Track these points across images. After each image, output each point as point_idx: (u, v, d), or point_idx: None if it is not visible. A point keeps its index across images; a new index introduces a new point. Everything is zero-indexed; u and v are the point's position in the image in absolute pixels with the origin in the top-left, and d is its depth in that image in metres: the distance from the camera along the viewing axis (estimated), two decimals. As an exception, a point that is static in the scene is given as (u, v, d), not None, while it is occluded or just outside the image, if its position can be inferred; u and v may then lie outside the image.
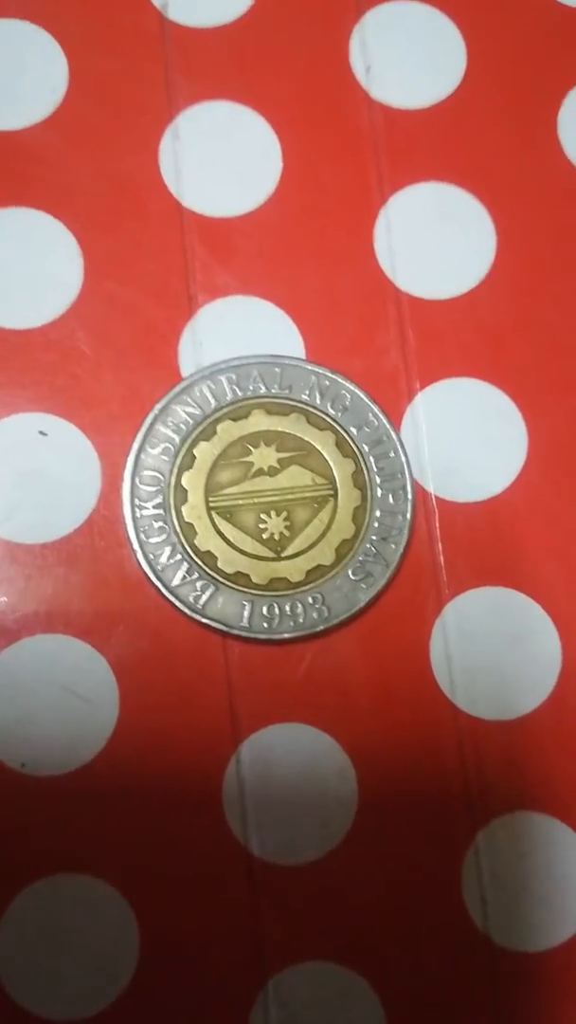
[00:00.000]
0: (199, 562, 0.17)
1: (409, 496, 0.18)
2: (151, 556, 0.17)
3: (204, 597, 0.17)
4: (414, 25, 0.20)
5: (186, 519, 0.17)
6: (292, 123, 0.19)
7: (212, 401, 0.18)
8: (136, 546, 0.17)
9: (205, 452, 0.18)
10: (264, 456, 0.18)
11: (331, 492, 0.18)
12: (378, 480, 0.18)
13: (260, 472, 0.18)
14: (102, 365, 0.18)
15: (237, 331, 0.18)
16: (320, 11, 0.20)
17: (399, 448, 0.18)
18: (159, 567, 0.17)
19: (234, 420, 0.18)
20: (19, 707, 0.17)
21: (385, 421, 0.18)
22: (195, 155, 0.19)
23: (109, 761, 0.17)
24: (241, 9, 0.20)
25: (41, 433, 0.18)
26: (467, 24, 0.20)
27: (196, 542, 0.17)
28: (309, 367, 0.18)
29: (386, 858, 0.17)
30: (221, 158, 0.19)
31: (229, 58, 0.19)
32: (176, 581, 0.17)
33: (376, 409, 0.18)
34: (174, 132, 0.19)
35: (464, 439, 0.18)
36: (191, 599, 0.17)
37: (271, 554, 0.17)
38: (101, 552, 0.17)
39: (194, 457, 0.18)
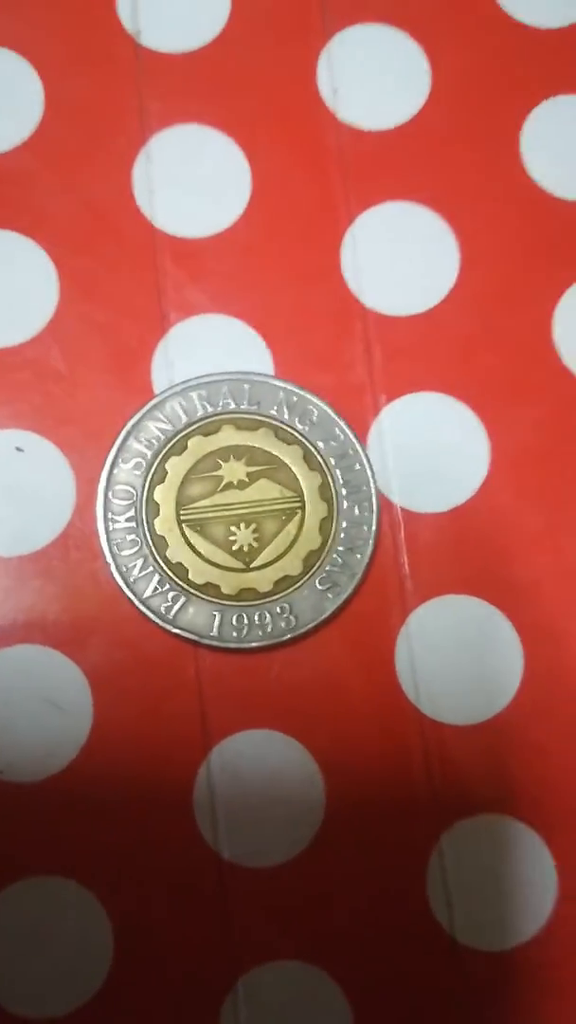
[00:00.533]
0: (170, 573, 0.18)
1: (374, 507, 0.18)
2: (124, 568, 0.18)
3: (175, 608, 0.18)
4: (379, 47, 0.20)
5: (158, 532, 0.18)
6: (261, 145, 0.20)
7: (183, 417, 0.18)
8: (109, 558, 0.18)
9: (176, 466, 0.18)
10: (233, 470, 0.18)
11: (299, 504, 0.18)
12: (344, 492, 0.18)
13: (230, 485, 0.18)
14: (77, 383, 0.19)
15: (208, 348, 0.19)
16: (288, 35, 0.20)
17: (364, 461, 0.18)
18: (131, 579, 0.18)
19: (204, 435, 0.18)
20: (-3, 715, 0.17)
21: (351, 435, 0.19)
22: (167, 177, 0.19)
23: (84, 768, 0.17)
24: (212, 35, 0.20)
25: (18, 449, 0.18)
26: (431, 45, 0.20)
27: (167, 554, 0.18)
28: (277, 383, 0.19)
29: (353, 861, 0.18)
30: (192, 180, 0.19)
31: (200, 82, 0.20)
32: (148, 592, 0.18)
33: (342, 423, 0.19)
34: (147, 155, 0.19)
35: (429, 451, 0.19)
36: (162, 610, 0.18)
37: (240, 565, 0.18)
38: (76, 564, 0.18)
39: (166, 471, 0.18)
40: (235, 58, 0.20)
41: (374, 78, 0.20)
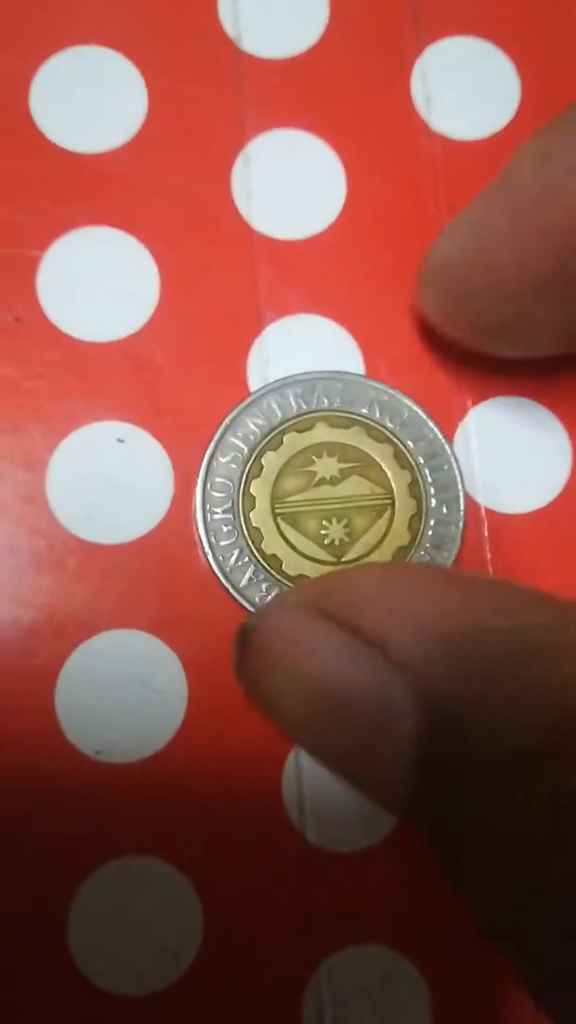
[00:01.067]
0: (265, 565, 0.18)
1: (461, 507, 0.19)
2: (221, 558, 0.18)
3: (269, 597, 0.18)
4: (472, 59, 0.21)
5: (254, 524, 0.18)
6: (356, 151, 0.20)
7: (278, 413, 0.19)
8: (207, 548, 0.18)
9: (272, 461, 0.19)
10: (327, 466, 0.19)
11: (389, 501, 0.19)
12: (432, 491, 0.19)
13: (323, 481, 0.19)
14: (176, 377, 0.19)
15: (301, 347, 0.20)
16: (384, 45, 0.21)
17: (452, 461, 0.19)
18: (228, 568, 0.18)
19: (299, 432, 0.19)
20: (95, 698, 0.18)
21: (440, 435, 0.19)
22: (265, 180, 0.20)
23: (177, 751, 0.18)
24: (310, 42, 0.21)
25: (119, 440, 0.19)
26: (522, 58, 0.21)
27: (262, 546, 0.18)
28: (369, 383, 0.19)
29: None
30: (289, 184, 0.20)
31: (298, 88, 0.20)
32: (243, 582, 0.18)
33: (432, 424, 0.19)
34: (246, 158, 0.20)
35: (512, 453, 0.20)
36: (257, 599, 0.18)
37: (332, 559, 0.19)
38: (173, 553, 0.19)
39: (262, 466, 0.19)
40: (331, 65, 0.21)
41: (465, 89, 0.21)
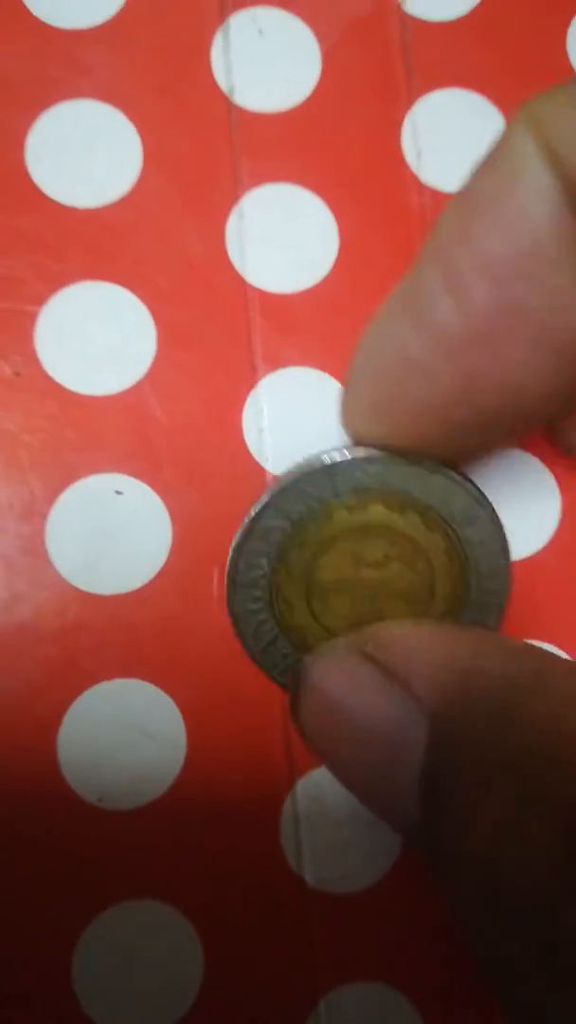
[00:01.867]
0: (287, 637, 0.18)
1: (501, 614, 0.18)
2: (245, 624, 0.18)
3: (284, 664, 0.18)
4: (462, 112, 0.21)
5: (284, 596, 0.18)
6: (348, 205, 0.21)
7: (333, 487, 0.18)
8: (234, 612, 0.18)
9: (316, 534, 0.18)
10: (373, 549, 0.18)
11: (428, 596, 0.18)
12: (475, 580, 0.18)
13: (365, 563, 0.18)
14: (173, 429, 0.19)
15: (295, 399, 0.20)
16: (375, 98, 0.21)
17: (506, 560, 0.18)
18: (250, 634, 0.18)
19: (349, 510, 0.18)
20: (96, 745, 0.18)
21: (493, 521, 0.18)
22: (258, 234, 0.20)
23: (177, 796, 0.18)
24: (302, 95, 0.21)
25: (117, 492, 0.19)
26: (513, 111, 0.21)
27: (291, 617, 0.18)
28: (437, 468, 0.17)
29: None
30: (282, 237, 0.20)
31: (291, 141, 0.21)
32: (263, 646, 0.18)
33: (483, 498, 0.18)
34: (239, 212, 0.20)
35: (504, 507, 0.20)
36: (275, 666, 0.18)
37: None
38: (172, 604, 0.19)
39: (304, 539, 0.18)
40: (324, 119, 0.21)
41: (456, 142, 0.21)
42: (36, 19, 0.21)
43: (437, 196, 0.21)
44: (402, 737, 0.14)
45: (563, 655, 0.20)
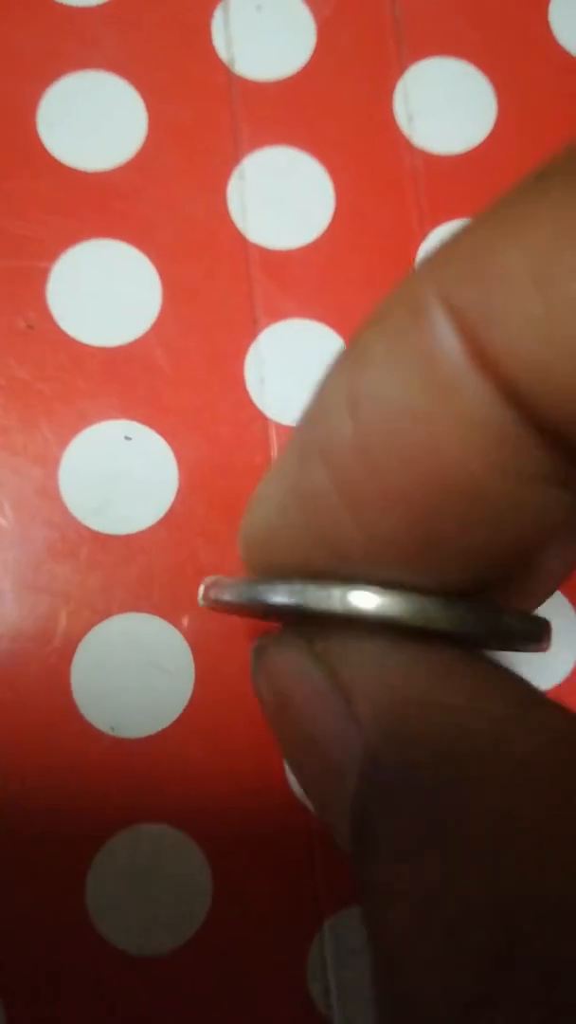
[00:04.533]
0: None
1: None
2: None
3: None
4: (451, 79, 0.22)
5: None
6: (344, 166, 0.22)
7: None
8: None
9: None
10: None
11: None
12: None
13: None
14: (178, 379, 0.20)
15: (295, 349, 0.21)
16: (368, 66, 0.22)
17: None
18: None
19: None
20: (109, 678, 0.19)
21: None
22: (259, 194, 0.21)
23: (186, 726, 0.19)
24: (298, 65, 0.22)
25: (126, 438, 0.20)
26: (498, 77, 0.23)
27: None
28: None
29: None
30: (281, 197, 0.21)
31: (288, 108, 0.22)
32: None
33: None
34: (240, 174, 0.21)
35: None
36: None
37: None
38: (180, 542, 0.20)
39: None
40: (319, 86, 0.22)
41: (445, 107, 0.22)
42: (46, -3, 0.22)
43: (428, 157, 0.22)
44: (338, 756, 0.12)
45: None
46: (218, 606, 0.14)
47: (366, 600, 0.12)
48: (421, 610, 0.12)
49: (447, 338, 0.10)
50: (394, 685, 0.12)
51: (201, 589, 0.15)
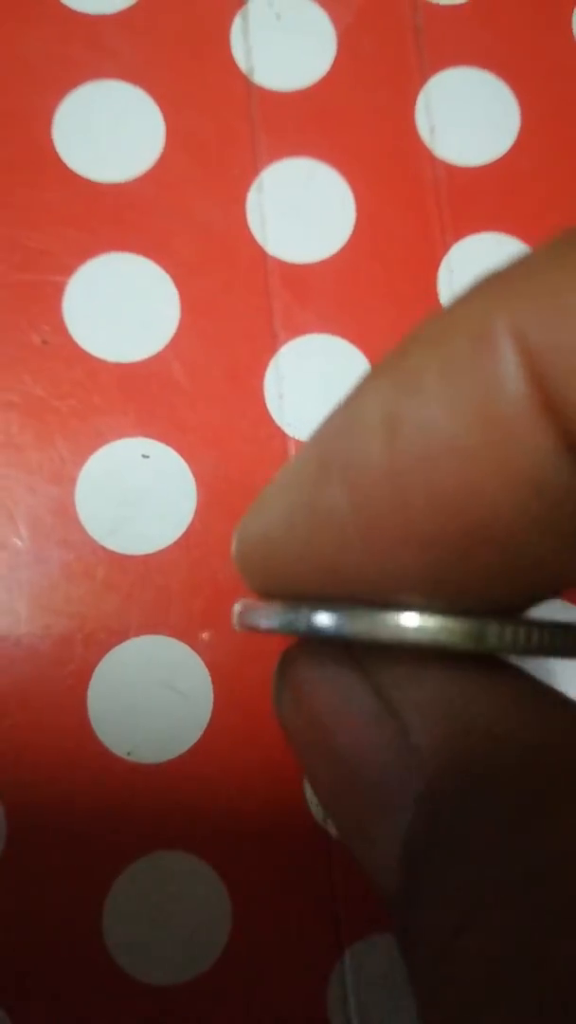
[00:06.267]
0: None
1: None
2: None
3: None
4: (473, 89, 0.22)
5: None
6: (365, 178, 0.21)
7: None
8: None
9: None
10: None
11: None
12: None
13: None
14: (196, 395, 0.20)
15: (315, 364, 0.21)
16: (389, 76, 0.22)
17: None
18: None
19: None
20: (125, 701, 0.19)
21: None
22: (278, 206, 0.21)
23: (204, 750, 0.19)
24: (319, 74, 0.22)
25: (144, 456, 0.20)
26: (521, 87, 0.22)
27: None
28: None
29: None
30: (301, 209, 0.21)
31: (308, 118, 0.21)
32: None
33: None
34: (259, 186, 0.21)
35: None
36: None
37: None
38: (198, 562, 0.19)
39: None
40: (340, 97, 0.22)
41: (468, 117, 0.22)
42: (62, 5, 0.21)
43: (450, 169, 0.22)
44: (389, 792, 0.11)
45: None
46: (254, 630, 0.14)
47: (421, 623, 0.11)
48: (488, 635, 0.11)
49: (513, 377, 0.09)
50: (456, 713, 0.11)
51: (236, 613, 0.14)
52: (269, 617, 0.13)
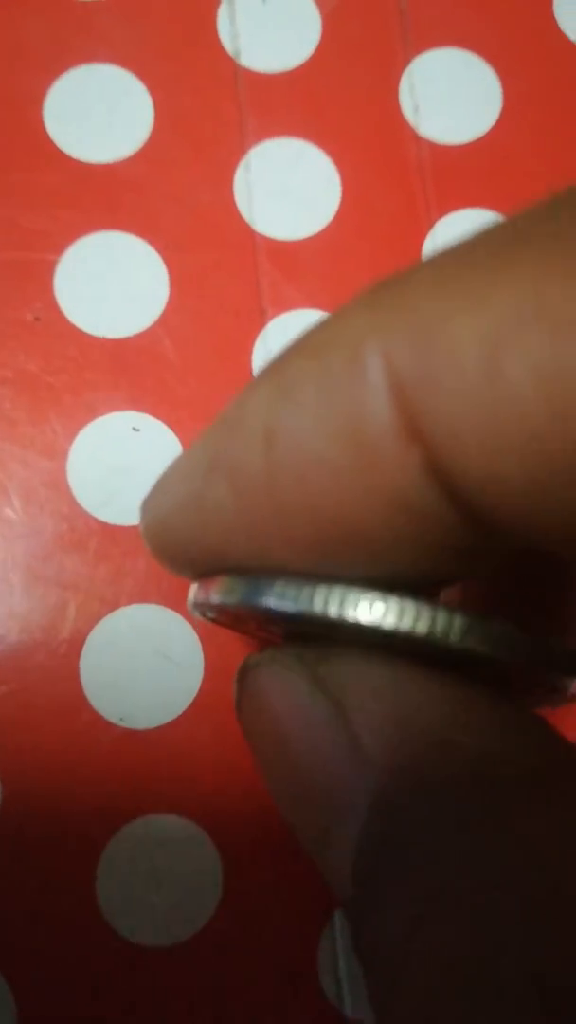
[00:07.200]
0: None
1: None
2: None
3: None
4: (456, 69, 0.22)
5: None
6: (350, 156, 0.22)
7: None
8: None
9: None
10: None
11: None
12: None
13: None
14: (186, 370, 0.20)
15: (302, 340, 0.21)
16: (373, 57, 0.22)
17: None
18: None
19: None
20: (118, 668, 0.19)
21: None
22: (265, 185, 0.21)
23: (195, 716, 0.19)
24: (304, 56, 0.22)
25: (134, 429, 0.20)
26: (503, 67, 0.23)
27: None
28: None
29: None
30: (288, 188, 0.21)
31: (294, 99, 0.22)
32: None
33: None
34: (246, 165, 0.21)
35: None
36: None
37: None
38: (187, 533, 0.20)
39: None
40: (325, 77, 0.22)
41: (450, 97, 0.22)
42: (52, -9, 0.22)
43: (433, 147, 0.22)
44: (341, 797, 0.11)
45: None
46: (207, 617, 0.14)
47: (376, 609, 0.11)
48: (449, 625, 0.11)
49: (381, 402, 0.10)
50: (407, 719, 0.11)
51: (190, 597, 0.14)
52: (215, 595, 0.13)
